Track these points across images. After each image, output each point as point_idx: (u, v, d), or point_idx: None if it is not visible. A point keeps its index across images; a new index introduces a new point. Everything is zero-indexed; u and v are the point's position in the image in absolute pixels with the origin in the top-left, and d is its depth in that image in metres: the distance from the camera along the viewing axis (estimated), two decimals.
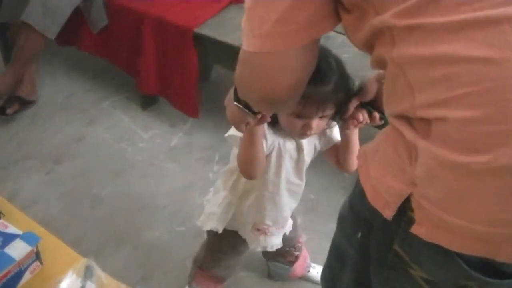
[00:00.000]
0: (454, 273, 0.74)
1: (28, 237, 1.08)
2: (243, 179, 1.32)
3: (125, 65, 2.52)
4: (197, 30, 2.17)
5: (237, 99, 0.98)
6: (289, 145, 1.27)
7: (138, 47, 2.34)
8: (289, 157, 1.29)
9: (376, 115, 1.11)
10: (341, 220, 0.96)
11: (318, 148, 1.34)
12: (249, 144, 1.16)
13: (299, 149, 1.29)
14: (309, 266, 1.81)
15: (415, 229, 0.73)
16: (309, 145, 1.31)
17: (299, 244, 1.72)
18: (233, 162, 1.30)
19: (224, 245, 1.55)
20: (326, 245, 1.05)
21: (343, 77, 1.12)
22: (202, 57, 2.25)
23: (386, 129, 0.78)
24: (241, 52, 0.79)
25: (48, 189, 2.13)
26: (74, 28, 2.46)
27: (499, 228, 0.66)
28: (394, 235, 0.78)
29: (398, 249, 0.78)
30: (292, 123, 1.16)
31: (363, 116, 1.12)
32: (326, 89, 1.09)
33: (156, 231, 1.98)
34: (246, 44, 0.77)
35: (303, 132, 1.17)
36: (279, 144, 1.26)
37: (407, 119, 0.71)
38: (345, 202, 0.94)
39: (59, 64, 2.86)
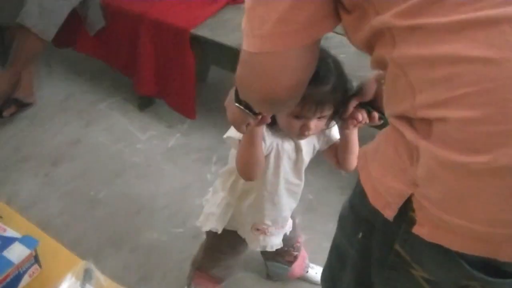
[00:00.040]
0: (455, 273, 0.74)
1: (27, 240, 1.08)
2: (242, 180, 1.32)
3: (122, 66, 2.51)
4: (194, 31, 2.16)
5: (238, 100, 0.98)
6: (287, 146, 1.27)
7: (135, 49, 2.34)
8: (287, 158, 1.29)
9: (375, 115, 1.11)
10: (342, 220, 0.96)
11: (317, 147, 1.34)
12: (249, 145, 1.16)
13: (298, 149, 1.29)
14: (307, 267, 1.81)
15: (416, 230, 0.73)
16: (308, 145, 1.31)
17: (298, 244, 1.72)
18: (232, 163, 1.30)
19: (223, 245, 1.55)
20: (325, 245, 1.05)
21: (341, 77, 1.13)
22: (199, 58, 2.24)
23: (386, 129, 0.78)
24: (241, 52, 0.79)
25: (47, 191, 2.13)
26: (71, 30, 2.45)
27: (499, 228, 0.66)
28: (395, 235, 0.77)
29: (399, 249, 0.78)
30: (291, 123, 1.16)
31: (362, 116, 1.12)
32: (324, 90, 1.09)
33: (155, 232, 1.98)
34: (246, 44, 0.77)
35: (302, 133, 1.17)
36: (277, 144, 1.26)
37: (407, 120, 0.71)
38: (345, 202, 0.94)
39: (56, 66, 2.85)
